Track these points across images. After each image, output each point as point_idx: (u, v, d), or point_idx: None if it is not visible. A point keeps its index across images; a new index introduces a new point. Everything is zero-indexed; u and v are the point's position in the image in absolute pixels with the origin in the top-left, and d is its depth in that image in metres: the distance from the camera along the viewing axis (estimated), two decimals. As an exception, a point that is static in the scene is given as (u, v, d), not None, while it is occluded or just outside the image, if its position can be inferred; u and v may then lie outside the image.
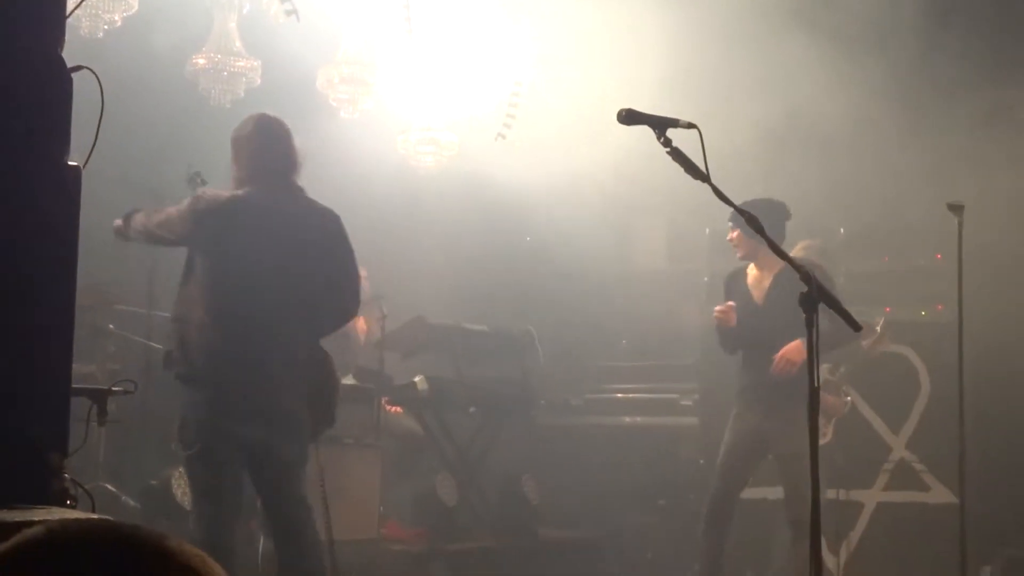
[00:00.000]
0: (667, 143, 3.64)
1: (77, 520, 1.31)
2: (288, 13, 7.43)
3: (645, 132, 3.71)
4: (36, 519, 1.96)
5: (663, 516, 8.99)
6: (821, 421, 7.17)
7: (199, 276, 5.12)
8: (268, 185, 5.24)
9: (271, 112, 5.57)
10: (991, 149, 7.57)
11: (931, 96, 8.27)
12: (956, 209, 5.80)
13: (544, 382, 9.14)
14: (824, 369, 7.23)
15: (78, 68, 3.12)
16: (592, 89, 8.17)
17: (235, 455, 5.11)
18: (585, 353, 9.79)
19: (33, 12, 3.03)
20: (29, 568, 1.22)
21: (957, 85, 8.28)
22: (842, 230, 8.54)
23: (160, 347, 6.18)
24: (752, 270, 6.82)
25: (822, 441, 7.22)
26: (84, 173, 3.08)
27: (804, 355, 6.34)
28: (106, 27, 6.98)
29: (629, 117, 3.71)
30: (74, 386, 3.21)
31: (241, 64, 7.59)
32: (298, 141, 5.42)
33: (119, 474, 7.13)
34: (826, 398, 7.33)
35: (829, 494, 7.85)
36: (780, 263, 6.46)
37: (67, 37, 3.13)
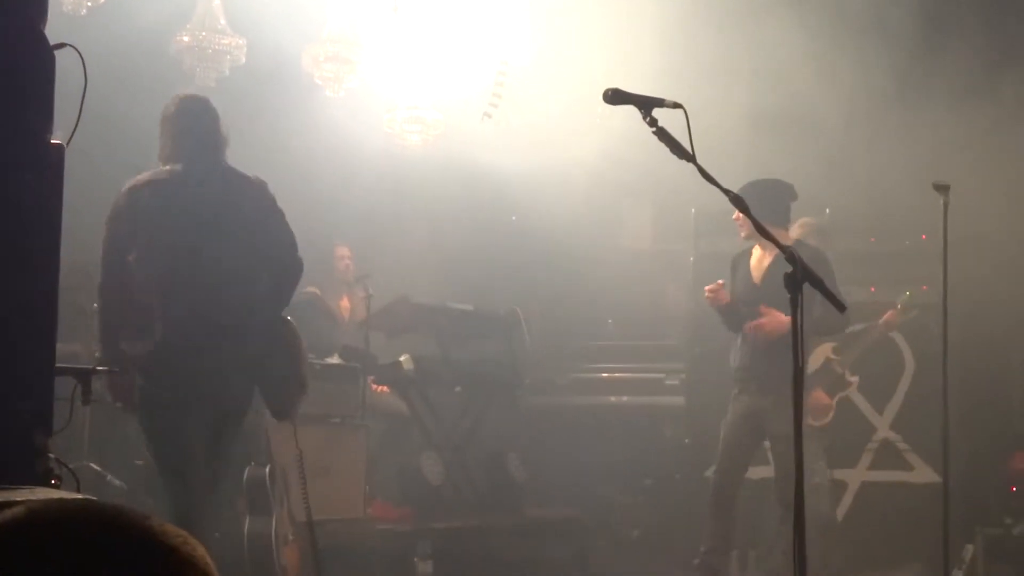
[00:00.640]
0: (653, 123, 3.63)
1: (59, 501, 1.31)
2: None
3: (631, 113, 3.70)
4: (19, 499, 1.95)
5: (649, 495, 9.03)
6: (823, 402, 7.23)
7: (134, 267, 5.15)
8: (192, 161, 5.28)
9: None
10: (977, 129, 7.58)
11: (917, 76, 8.27)
12: (942, 189, 5.80)
13: (530, 362, 9.15)
14: (828, 348, 7.24)
15: (61, 46, 3.10)
16: (579, 69, 8.16)
17: (198, 432, 5.15)
18: (571, 333, 9.79)
19: (15, -11, 3.00)
20: (9, 549, 1.22)
21: (943, 65, 8.29)
22: (828, 210, 8.55)
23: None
24: (757, 250, 6.82)
25: (824, 421, 7.25)
26: (68, 151, 3.07)
27: (781, 330, 6.43)
28: (89, 4, 6.94)
29: (615, 96, 3.70)
30: (58, 365, 3.20)
31: (226, 42, 7.55)
32: (224, 121, 5.44)
33: (104, 454, 7.12)
34: (820, 397, 7.33)
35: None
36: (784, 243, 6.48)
37: (50, 14, 3.11)
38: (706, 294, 6.68)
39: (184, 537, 1.30)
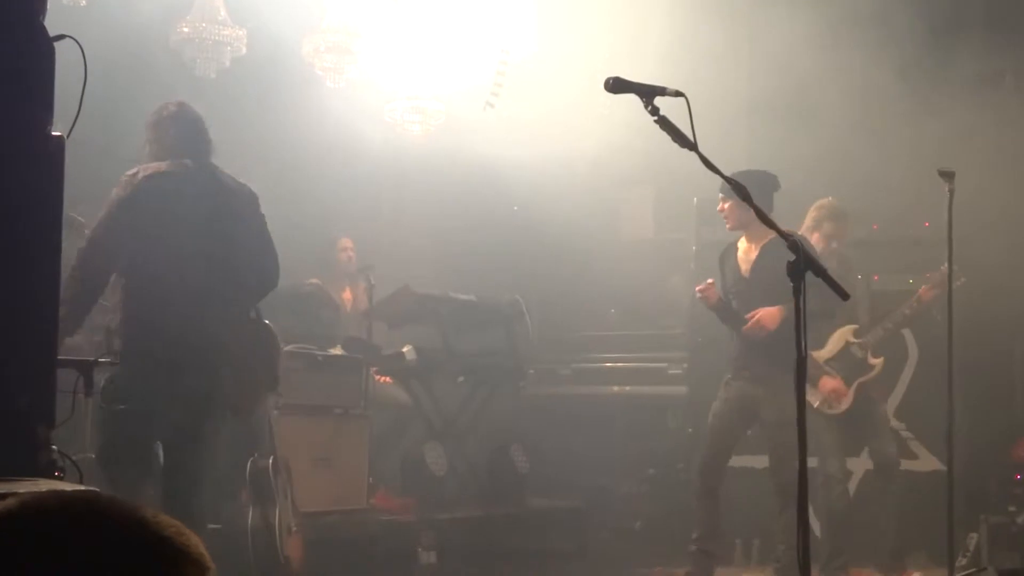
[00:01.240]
0: (654, 111, 3.62)
1: (52, 492, 1.30)
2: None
3: (633, 102, 3.69)
4: (21, 491, 1.95)
5: (652, 485, 9.02)
6: (834, 388, 7.19)
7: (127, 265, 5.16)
8: (185, 162, 5.31)
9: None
10: (982, 116, 7.56)
11: (921, 63, 8.25)
12: (947, 176, 5.78)
13: (532, 351, 9.14)
14: (849, 332, 7.20)
15: (61, 37, 3.09)
16: (580, 59, 8.14)
17: (155, 421, 5.17)
18: (573, 323, 9.78)
19: (14, -20, 2.99)
20: (3, 541, 1.21)
21: (947, 51, 8.27)
22: (830, 198, 8.53)
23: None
24: (743, 242, 6.90)
25: (839, 410, 7.21)
26: (68, 143, 3.06)
27: (777, 322, 6.47)
28: (89, -5, 6.92)
29: (616, 85, 3.69)
30: (60, 358, 3.20)
31: (226, 33, 7.53)
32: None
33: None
34: (828, 383, 7.25)
35: (816, 461, 7.87)
36: (769, 234, 6.51)
37: (49, 5, 3.10)
38: (697, 294, 6.75)
39: (178, 527, 1.30)
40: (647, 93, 3.65)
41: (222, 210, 5.28)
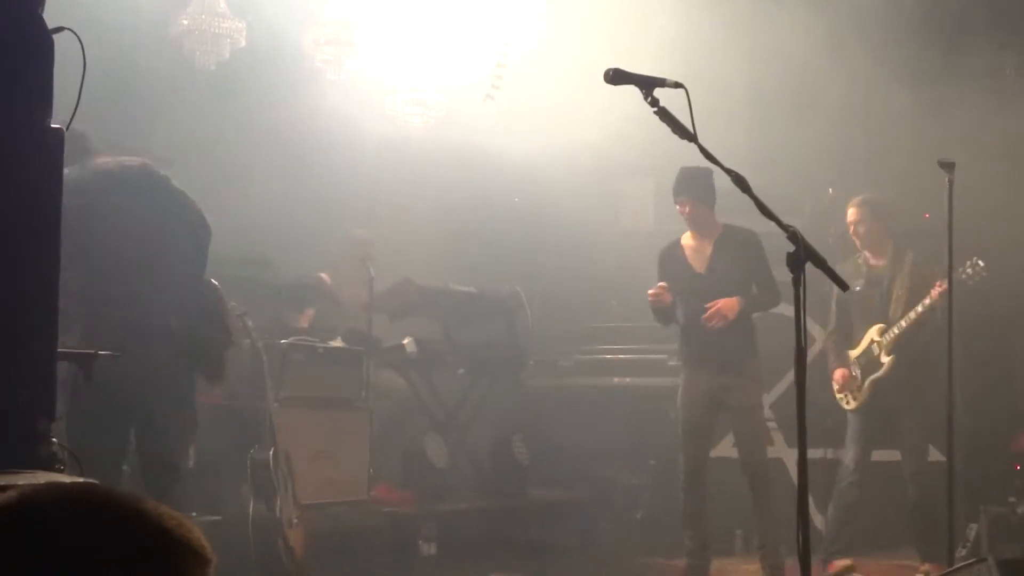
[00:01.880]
0: (654, 103, 3.62)
1: (52, 485, 1.30)
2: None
3: (633, 94, 3.68)
4: (20, 484, 1.95)
5: (653, 476, 9.02)
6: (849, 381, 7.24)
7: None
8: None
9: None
10: (982, 108, 7.54)
11: (922, 56, 8.24)
12: (947, 167, 5.77)
13: (533, 343, 9.14)
14: (874, 331, 7.22)
15: (59, 29, 3.08)
16: (581, 51, 8.12)
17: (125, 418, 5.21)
18: (574, 314, 9.78)
19: (12, -28, 2.99)
20: (3, 533, 1.21)
21: (948, 44, 8.26)
22: (831, 190, 8.53)
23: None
24: (688, 239, 7.09)
25: (852, 405, 7.26)
26: (67, 135, 3.06)
27: (736, 312, 6.68)
28: (88, -12, 6.90)
29: (616, 77, 3.69)
30: (60, 350, 3.19)
31: (226, 25, 7.52)
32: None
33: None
34: (839, 371, 7.34)
35: (816, 453, 7.89)
36: (718, 230, 6.69)
37: (48, -2, 3.09)
38: (649, 299, 6.90)
39: (178, 519, 1.29)
40: (647, 84, 3.64)
41: (116, 195, 5.25)
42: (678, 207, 6.97)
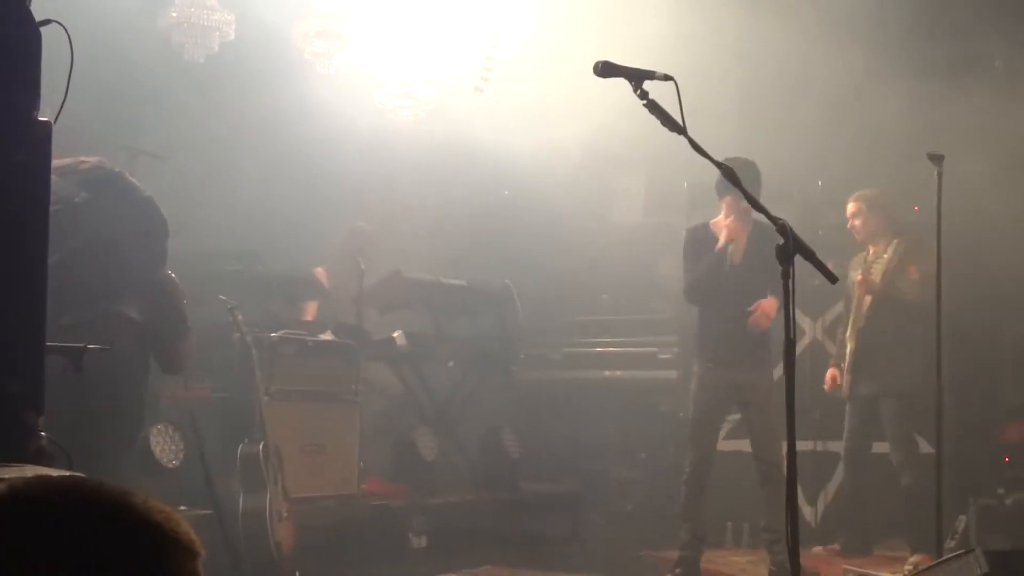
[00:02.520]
0: (643, 95, 3.61)
1: (41, 478, 1.30)
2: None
3: (623, 87, 3.68)
4: (7, 477, 1.94)
5: (643, 469, 9.04)
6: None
7: None
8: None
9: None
10: (970, 100, 7.56)
11: (911, 46, 8.24)
12: (936, 159, 5.78)
13: (523, 336, 9.14)
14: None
15: (47, 22, 3.07)
16: (570, 43, 8.12)
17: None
18: (564, 307, 9.79)
19: (-1, -35, 2.97)
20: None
21: (936, 35, 8.26)
22: (820, 182, 8.54)
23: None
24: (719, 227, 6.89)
25: (844, 393, 7.40)
26: (55, 129, 3.04)
27: (775, 312, 6.56)
28: (77, -20, 6.88)
29: (605, 69, 3.68)
30: (49, 344, 3.18)
31: (215, 18, 7.50)
32: None
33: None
34: (832, 372, 7.52)
35: (806, 446, 7.92)
36: (751, 224, 6.59)
37: (35, -10, 3.08)
38: (727, 231, 6.67)
39: (167, 513, 1.29)
40: (636, 77, 3.63)
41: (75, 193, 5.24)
42: (744, 203, 6.70)
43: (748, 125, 8.27)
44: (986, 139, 7.42)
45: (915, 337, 7.15)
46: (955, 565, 4.06)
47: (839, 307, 8.02)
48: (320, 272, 8.55)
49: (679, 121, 3.58)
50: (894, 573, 6.46)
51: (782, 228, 3.55)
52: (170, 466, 6.34)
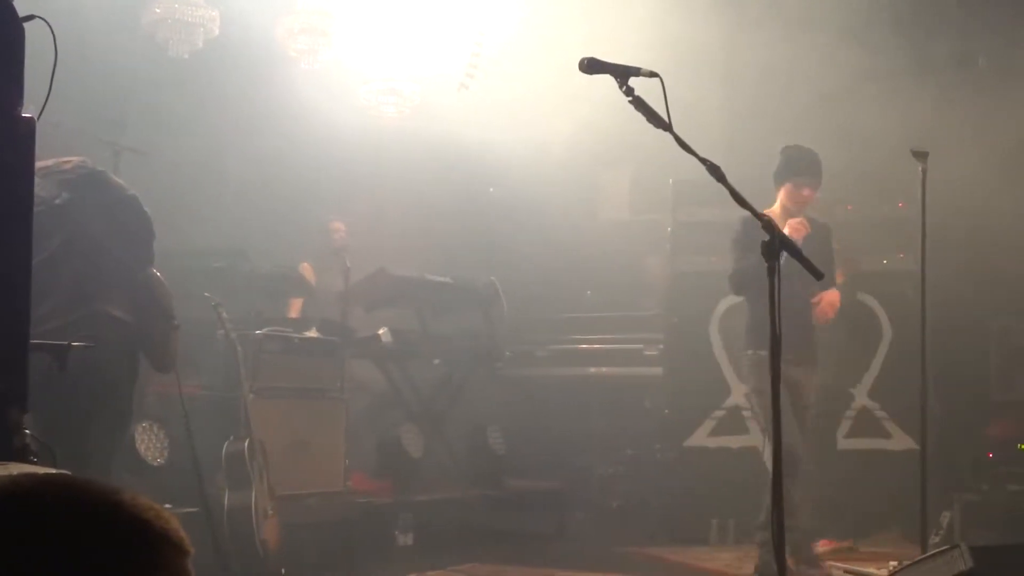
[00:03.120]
0: (629, 92, 3.62)
1: (27, 476, 1.29)
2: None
3: (609, 83, 3.68)
4: (-7, 476, 1.94)
5: (628, 466, 9.06)
6: None
7: None
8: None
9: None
10: (955, 97, 7.59)
11: (896, 43, 8.26)
12: (920, 156, 5.80)
13: (509, 333, 9.14)
14: None
15: (30, 17, 3.05)
16: (555, 40, 8.11)
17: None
18: (549, 304, 9.79)
19: (-18, -40, 2.96)
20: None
21: (923, 32, 8.29)
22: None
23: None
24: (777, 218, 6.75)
25: None
26: (38, 125, 3.03)
27: (839, 303, 6.45)
28: (60, -24, 6.84)
29: (591, 66, 3.68)
30: (33, 341, 3.17)
31: (199, 14, 7.48)
32: None
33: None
34: None
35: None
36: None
37: (18, -15, 3.06)
38: (795, 226, 6.43)
39: (156, 511, 1.28)
40: (621, 73, 3.64)
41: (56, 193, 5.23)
42: (805, 191, 6.61)
43: (734, 122, 8.28)
44: (971, 136, 7.45)
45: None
46: (940, 560, 4.08)
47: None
48: (306, 267, 8.54)
49: (665, 118, 3.59)
50: (879, 569, 6.47)
51: (767, 225, 3.56)
52: (155, 464, 6.32)
